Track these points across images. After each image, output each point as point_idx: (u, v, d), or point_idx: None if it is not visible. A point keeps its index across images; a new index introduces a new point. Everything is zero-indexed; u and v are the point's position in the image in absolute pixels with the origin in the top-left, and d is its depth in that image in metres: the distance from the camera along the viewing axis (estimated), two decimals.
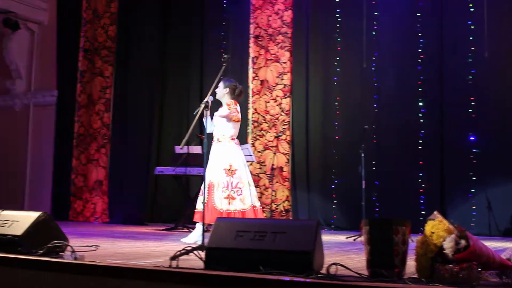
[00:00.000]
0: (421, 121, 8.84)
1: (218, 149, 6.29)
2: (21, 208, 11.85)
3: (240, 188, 6.21)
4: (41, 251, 4.08)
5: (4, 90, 13.11)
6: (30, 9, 12.25)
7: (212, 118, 6.47)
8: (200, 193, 6.26)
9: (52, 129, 11.84)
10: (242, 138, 9.65)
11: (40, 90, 12.56)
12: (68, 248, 4.15)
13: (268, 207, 9.33)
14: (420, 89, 8.90)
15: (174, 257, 3.67)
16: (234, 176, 6.23)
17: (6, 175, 12.70)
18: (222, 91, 6.52)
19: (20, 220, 4.41)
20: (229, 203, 6.12)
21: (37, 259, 3.89)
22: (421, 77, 8.90)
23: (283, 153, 9.50)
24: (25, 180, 12.41)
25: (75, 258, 3.86)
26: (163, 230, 8.59)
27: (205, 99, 6.37)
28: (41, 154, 12.26)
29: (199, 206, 6.20)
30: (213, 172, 6.21)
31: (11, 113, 12.94)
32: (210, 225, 6.48)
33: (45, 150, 12.13)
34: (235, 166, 6.27)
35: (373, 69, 9.26)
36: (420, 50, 8.94)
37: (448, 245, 3.18)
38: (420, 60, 8.93)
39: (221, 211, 6.08)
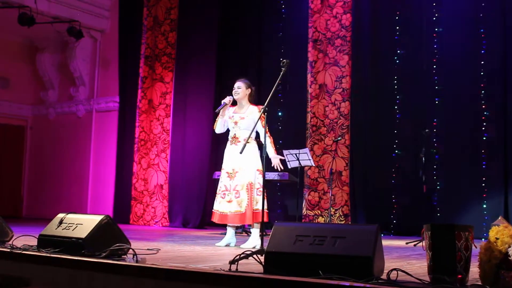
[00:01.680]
0: (484, 123, 8.61)
1: (249, 150, 6.18)
2: (84, 211, 12.16)
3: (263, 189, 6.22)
4: (104, 254, 4.17)
5: (68, 96, 13.51)
6: (93, 17, 12.59)
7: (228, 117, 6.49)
8: (219, 194, 6.31)
9: (114, 135, 12.12)
10: (300, 142, 9.66)
11: (102, 96, 12.88)
12: (130, 251, 4.23)
13: (326, 211, 9.28)
14: (483, 91, 8.67)
15: (233, 261, 3.68)
16: (261, 177, 6.26)
17: (70, 179, 13.08)
18: (245, 92, 6.45)
19: (84, 223, 4.52)
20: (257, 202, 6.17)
21: (100, 261, 3.98)
22: (484, 79, 8.67)
23: (342, 157, 9.42)
24: (88, 184, 12.74)
25: (137, 261, 3.93)
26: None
27: (225, 99, 6.42)
28: (103, 159, 12.57)
29: (221, 207, 6.26)
30: (250, 173, 6.23)
31: (75, 119, 13.32)
32: (250, 225, 6.56)
33: (107, 155, 12.43)
34: (261, 167, 6.29)
35: (434, 71, 9.09)
36: (483, 51, 8.71)
37: None
38: (482, 62, 8.69)
39: (257, 211, 6.13)
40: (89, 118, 13.05)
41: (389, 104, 9.39)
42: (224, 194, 6.30)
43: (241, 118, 6.39)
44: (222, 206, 6.30)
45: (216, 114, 6.61)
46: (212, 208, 6.44)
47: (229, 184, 6.30)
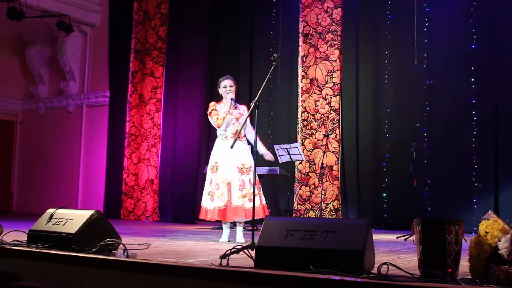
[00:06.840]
0: (475, 118, 8.64)
1: (242, 147, 6.34)
2: (74, 206, 12.12)
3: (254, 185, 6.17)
4: (95, 249, 4.16)
5: (58, 91, 13.44)
6: (83, 12, 12.52)
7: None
8: (212, 188, 6.31)
9: (105, 129, 12.07)
10: (291, 137, 9.67)
11: (92, 91, 12.83)
12: (121, 246, 4.22)
13: (317, 206, 9.29)
14: (473, 86, 8.69)
15: (224, 256, 3.68)
16: (248, 174, 6.30)
17: (61, 174, 13.02)
18: (235, 90, 6.57)
19: (74, 219, 4.50)
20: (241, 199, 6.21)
21: (90, 257, 3.96)
22: (474, 74, 8.68)
23: (333, 152, 9.43)
24: (79, 179, 12.69)
25: (128, 256, 3.92)
26: (213, 228, 8.64)
27: (231, 96, 6.45)
28: (94, 154, 12.52)
29: (235, 202, 6.24)
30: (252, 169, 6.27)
31: (65, 114, 13.26)
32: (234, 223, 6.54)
33: (97, 149, 12.38)
34: (252, 164, 6.28)
35: (424, 66, 9.10)
36: (473, 46, 8.73)
37: (503, 245, 3.11)
38: (473, 57, 8.70)
39: (241, 207, 6.18)
40: (79, 113, 12.99)
41: (380, 98, 9.41)
42: (241, 188, 6.23)
43: (240, 114, 6.48)
44: (236, 201, 6.21)
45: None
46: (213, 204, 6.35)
47: (241, 179, 6.25)
